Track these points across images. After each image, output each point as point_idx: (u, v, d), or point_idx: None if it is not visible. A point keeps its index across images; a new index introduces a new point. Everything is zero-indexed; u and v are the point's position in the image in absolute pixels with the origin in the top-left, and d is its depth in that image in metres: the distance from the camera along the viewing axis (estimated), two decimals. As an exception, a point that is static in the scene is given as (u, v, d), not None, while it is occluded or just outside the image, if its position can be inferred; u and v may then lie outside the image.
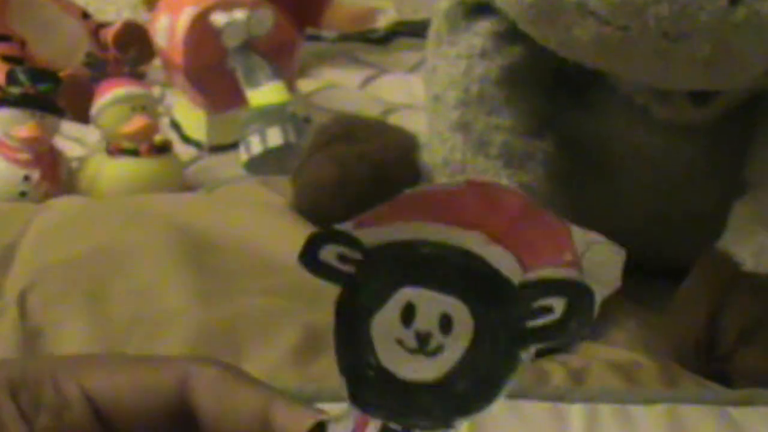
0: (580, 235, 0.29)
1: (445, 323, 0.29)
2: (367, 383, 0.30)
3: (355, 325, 0.30)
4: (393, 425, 0.30)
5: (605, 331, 0.75)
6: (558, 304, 0.28)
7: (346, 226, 0.30)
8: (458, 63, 0.73)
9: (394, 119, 1.08)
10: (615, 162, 0.77)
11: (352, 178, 0.81)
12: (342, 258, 0.30)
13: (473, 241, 0.29)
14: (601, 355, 0.71)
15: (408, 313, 0.29)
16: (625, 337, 0.74)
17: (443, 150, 0.74)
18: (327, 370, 0.65)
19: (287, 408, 0.34)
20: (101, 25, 1.29)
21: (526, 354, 0.29)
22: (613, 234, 0.79)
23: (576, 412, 0.63)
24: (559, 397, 0.64)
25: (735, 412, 0.64)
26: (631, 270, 0.80)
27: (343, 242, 0.30)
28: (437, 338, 0.29)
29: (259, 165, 0.99)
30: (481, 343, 0.29)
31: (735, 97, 0.71)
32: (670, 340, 0.73)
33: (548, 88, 0.76)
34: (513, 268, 0.29)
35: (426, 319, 0.29)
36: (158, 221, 0.80)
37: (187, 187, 1.00)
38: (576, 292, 0.28)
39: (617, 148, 0.76)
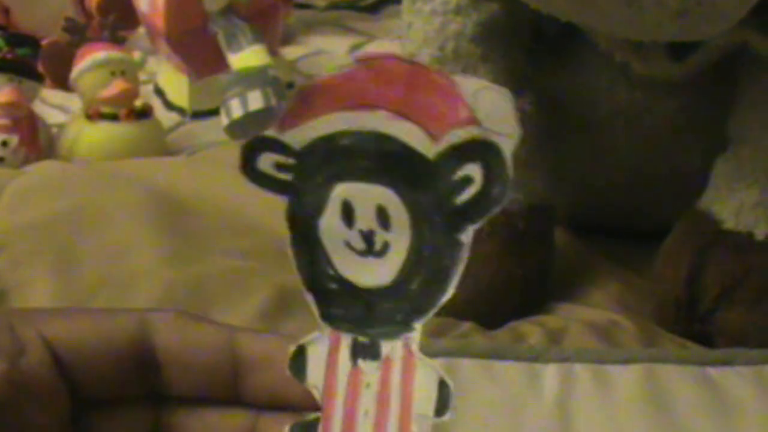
0: (466, 85, 0.28)
1: (383, 217, 0.30)
2: (332, 297, 0.31)
3: (307, 236, 0.30)
4: (362, 339, 0.30)
5: (585, 293, 0.74)
6: (476, 172, 0.28)
7: (271, 131, 0.30)
8: (433, 19, 0.71)
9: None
10: (596, 120, 0.75)
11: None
12: (279, 166, 0.30)
13: (381, 122, 0.29)
14: (580, 315, 0.71)
15: (347, 212, 0.30)
16: (605, 299, 0.74)
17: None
18: (297, 330, 0.64)
19: (253, 336, 0.34)
20: (87, -7, 1.28)
21: (465, 236, 0.29)
22: (596, 194, 0.78)
23: (551, 372, 0.62)
24: (534, 357, 0.63)
25: (714, 371, 0.63)
26: (617, 231, 0.79)
27: (274, 148, 0.30)
28: (381, 235, 0.30)
29: (240, 129, 0.97)
30: (420, 231, 0.29)
31: (714, 51, 0.70)
32: (650, 300, 0.72)
33: (526, 45, 0.74)
34: (423, 142, 0.29)
35: (364, 215, 0.30)
36: (133, 183, 0.80)
37: (169, 152, 0.99)
38: (486, 152, 0.28)
39: (598, 106, 0.75)
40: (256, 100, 0.97)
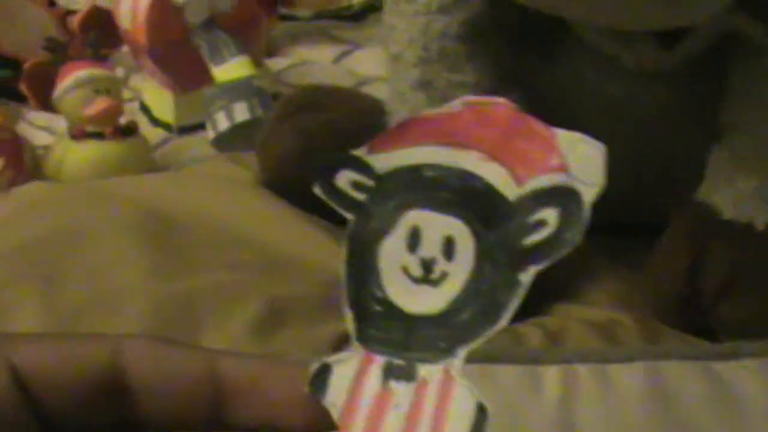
0: (564, 137, 0.29)
1: (449, 248, 0.30)
2: (373, 319, 0.30)
3: (364, 255, 0.30)
4: (397, 362, 0.30)
5: (584, 292, 0.73)
6: (551, 216, 0.29)
7: (359, 152, 0.31)
8: (416, 20, 0.70)
9: (366, 92, 1.06)
10: (587, 115, 0.74)
11: (317, 148, 0.78)
12: (356, 185, 0.31)
13: (471, 161, 0.30)
14: (579, 315, 0.69)
15: (414, 238, 0.30)
16: (604, 297, 0.72)
17: (405, 109, 0.71)
18: (289, 343, 0.63)
19: (237, 360, 0.33)
20: (69, 12, 1.26)
21: (526, 276, 0.29)
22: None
23: (552, 374, 0.61)
24: (534, 359, 0.62)
25: (719, 366, 0.62)
26: (610, 227, 0.78)
27: (358, 168, 0.31)
28: (441, 264, 0.30)
29: (226, 141, 0.96)
30: (482, 267, 0.29)
31: (704, 39, 0.69)
32: (650, 296, 0.70)
33: (513, 42, 0.73)
34: (508, 184, 0.30)
35: (430, 243, 0.30)
36: (120, 201, 0.78)
37: (156, 169, 0.98)
38: (567, 199, 0.29)
39: (588, 101, 0.74)
40: (242, 112, 0.97)
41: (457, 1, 0.70)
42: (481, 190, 0.30)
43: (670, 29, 0.65)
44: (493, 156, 0.30)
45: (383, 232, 0.30)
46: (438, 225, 0.30)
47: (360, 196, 0.31)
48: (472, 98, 0.31)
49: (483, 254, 0.29)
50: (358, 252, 0.31)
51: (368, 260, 0.30)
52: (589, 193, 0.29)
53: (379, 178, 0.31)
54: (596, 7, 0.56)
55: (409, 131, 0.31)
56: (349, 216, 0.31)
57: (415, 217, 0.30)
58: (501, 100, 0.30)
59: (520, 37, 0.73)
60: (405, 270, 0.30)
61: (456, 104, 0.30)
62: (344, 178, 0.31)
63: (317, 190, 0.31)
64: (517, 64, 0.73)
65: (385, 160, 0.31)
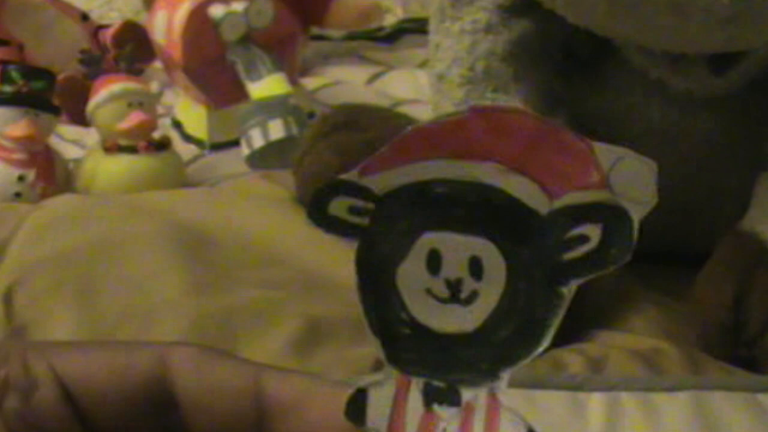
0: (604, 152, 0.27)
1: (476, 267, 0.27)
2: (403, 341, 0.29)
3: (380, 280, 0.28)
4: (436, 383, 0.28)
5: (625, 319, 0.72)
6: (594, 232, 0.27)
7: (350, 176, 0.29)
8: (462, 39, 0.69)
9: (401, 112, 1.05)
10: (631, 141, 0.73)
11: (355, 166, 0.77)
12: (353, 210, 0.29)
13: (489, 174, 0.27)
14: (621, 343, 0.68)
15: (433, 261, 0.28)
16: (646, 325, 0.71)
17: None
18: (328, 361, 0.62)
19: (280, 377, 0.32)
20: (101, 27, 1.26)
21: (567, 289, 0.27)
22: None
23: (596, 401, 0.60)
24: (578, 386, 0.61)
25: (764, 398, 0.61)
26: (652, 256, 0.77)
27: (352, 193, 0.29)
28: (470, 284, 0.28)
29: (261, 159, 0.96)
30: (516, 283, 0.27)
31: (756, 64, 0.68)
32: (693, 325, 0.69)
33: (558, 64, 0.72)
34: (538, 197, 0.27)
35: (454, 265, 0.28)
36: (154, 215, 0.78)
37: (189, 185, 0.97)
38: (611, 215, 0.27)
39: (633, 126, 0.73)
40: (277, 130, 0.96)
41: (504, 21, 0.69)
42: (504, 205, 0.27)
43: (725, 53, 0.64)
44: (517, 168, 0.27)
45: (397, 255, 0.28)
46: (459, 246, 0.28)
47: (360, 221, 0.29)
48: (480, 104, 0.29)
49: (515, 271, 0.27)
50: (373, 277, 0.29)
51: (386, 284, 0.28)
52: (637, 211, 0.27)
53: (380, 200, 0.28)
54: (652, 29, 0.55)
55: (409, 146, 0.28)
56: (353, 242, 0.29)
57: (430, 240, 0.28)
58: (517, 107, 0.28)
59: (566, 60, 0.72)
60: (429, 291, 0.28)
61: (462, 111, 0.28)
62: (339, 206, 0.29)
63: (311, 222, 0.29)
64: (562, 85, 0.72)
65: (385, 179, 0.28)
